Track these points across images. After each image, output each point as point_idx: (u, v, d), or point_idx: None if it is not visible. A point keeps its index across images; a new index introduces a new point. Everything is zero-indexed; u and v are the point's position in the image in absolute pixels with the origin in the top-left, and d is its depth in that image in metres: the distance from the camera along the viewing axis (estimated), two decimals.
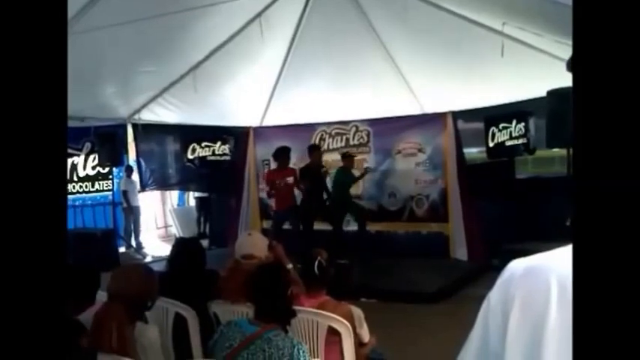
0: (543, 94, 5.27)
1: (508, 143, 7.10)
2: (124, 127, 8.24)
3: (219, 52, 6.81)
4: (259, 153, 9.27)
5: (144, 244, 9.64)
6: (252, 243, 3.17)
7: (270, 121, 9.03)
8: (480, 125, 7.47)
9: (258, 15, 6.25)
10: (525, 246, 5.14)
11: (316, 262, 2.80)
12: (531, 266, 0.73)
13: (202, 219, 10.63)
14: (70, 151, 8.22)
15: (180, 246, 3.44)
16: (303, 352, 2.13)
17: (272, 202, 8.30)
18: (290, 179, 7.46)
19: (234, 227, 8.83)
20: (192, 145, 8.73)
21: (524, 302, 0.70)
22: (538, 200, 7.08)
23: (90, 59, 5.44)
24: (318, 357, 2.66)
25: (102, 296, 2.53)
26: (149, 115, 8.10)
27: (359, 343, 2.80)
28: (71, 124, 6.59)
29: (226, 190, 9.47)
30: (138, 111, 7.97)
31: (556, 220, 3.91)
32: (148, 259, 8.67)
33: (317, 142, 8.63)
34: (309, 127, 8.77)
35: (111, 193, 8.76)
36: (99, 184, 8.89)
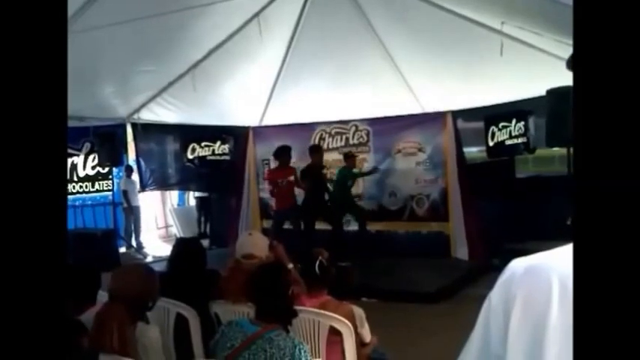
0: (543, 93, 5.27)
1: (508, 142, 7.10)
2: (123, 126, 8.23)
3: (218, 52, 6.81)
4: (259, 152, 9.27)
5: (144, 244, 9.64)
6: (253, 243, 3.17)
7: (269, 120, 9.02)
8: (480, 124, 7.46)
9: (257, 14, 6.24)
10: (526, 245, 5.15)
11: (317, 262, 2.80)
12: (532, 265, 0.73)
13: (203, 219, 10.63)
14: (69, 151, 8.21)
15: (181, 246, 3.44)
16: (305, 352, 2.13)
17: (272, 202, 8.29)
18: (291, 178, 7.47)
19: (235, 227, 8.83)
20: (192, 144, 8.72)
21: (526, 302, 0.70)
22: (538, 199, 7.08)
23: (89, 59, 5.43)
24: (319, 357, 2.65)
25: (103, 296, 2.53)
26: (148, 115, 8.10)
27: (360, 343, 2.79)
28: (70, 123, 6.57)
29: (226, 189, 9.46)
30: (137, 110, 7.96)
31: (556, 219, 3.91)
32: (149, 259, 8.67)
33: (317, 141, 8.63)
34: (309, 127, 8.76)
35: (111, 193, 8.75)
36: (99, 184, 8.88)
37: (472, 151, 8.20)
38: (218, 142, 8.87)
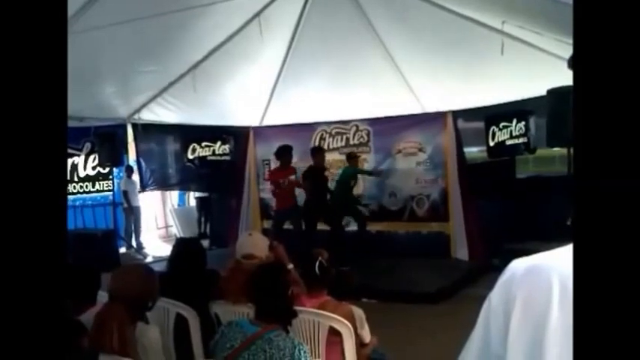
0: (544, 92, 5.27)
1: (508, 142, 7.09)
2: (123, 127, 8.23)
3: (218, 52, 6.81)
4: (259, 153, 9.27)
5: (144, 245, 9.65)
6: (253, 243, 3.16)
7: (269, 120, 9.02)
8: (481, 124, 7.46)
9: (258, 14, 6.24)
10: (526, 245, 5.15)
11: (317, 263, 2.80)
12: (532, 266, 0.73)
13: (203, 219, 10.63)
14: (70, 151, 8.22)
15: (181, 246, 3.44)
16: (305, 352, 2.13)
17: (273, 202, 8.29)
18: (292, 178, 7.47)
19: (235, 227, 8.83)
20: (193, 145, 8.72)
21: (526, 302, 0.70)
22: (539, 199, 7.08)
23: (89, 59, 5.43)
24: (319, 357, 2.65)
25: (103, 297, 2.53)
26: (149, 115, 8.09)
27: (360, 344, 2.79)
28: (71, 124, 6.57)
29: (227, 190, 9.47)
30: (137, 111, 7.96)
31: (557, 219, 3.91)
32: (149, 259, 8.66)
33: (317, 141, 8.63)
34: (309, 127, 8.76)
35: (111, 193, 8.75)
36: (99, 184, 8.89)
37: (472, 151, 8.20)
38: (218, 143, 8.87)
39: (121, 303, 2.24)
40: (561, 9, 3.23)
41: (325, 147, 8.47)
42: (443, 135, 7.83)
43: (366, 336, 2.87)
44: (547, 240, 1.51)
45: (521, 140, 6.92)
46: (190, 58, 6.86)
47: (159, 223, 11.38)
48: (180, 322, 2.85)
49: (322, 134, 8.77)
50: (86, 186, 8.79)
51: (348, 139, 8.61)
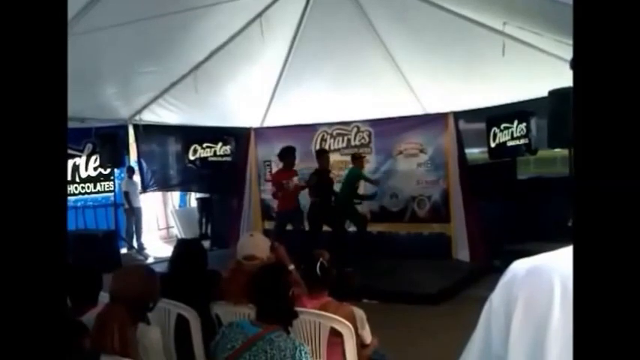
0: (545, 94, 5.26)
1: (510, 143, 7.08)
2: (125, 127, 8.24)
3: (219, 53, 6.81)
4: (260, 154, 9.27)
5: (145, 246, 9.65)
6: (254, 244, 3.16)
7: (271, 121, 9.02)
8: (482, 125, 7.45)
9: (259, 15, 6.24)
10: (527, 246, 5.15)
11: (318, 264, 2.80)
12: (534, 267, 0.73)
13: (204, 220, 10.64)
14: (71, 152, 8.22)
15: (182, 247, 3.44)
16: (305, 353, 2.13)
17: (274, 203, 8.28)
18: (296, 179, 7.45)
19: (236, 228, 8.83)
20: (194, 145, 8.73)
21: (527, 303, 0.70)
22: (540, 200, 7.07)
23: (90, 60, 5.44)
24: (320, 358, 2.65)
25: (104, 297, 2.53)
26: (150, 116, 8.10)
27: (361, 345, 2.79)
28: (72, 125, 6.59)
29: (228, 191, 9.47)
30: (139, 112, 7.97)
31: (558, 220, 3.91)
32: (150, 260, 8.66)
33: (318, 142, 8.63)
34: (311, 128, 8.76)
35: (112, 194, 8.76)
36: (100, 185, 8.89)
37: (474, 152, 8.19)
38: (220, 144, 8.87)
39: (122, 304, 2.24)
40: (561, 9, 3.22)
41: (327, 148, 8.46)
42: (444, 136, 7.83)
43: (367, 337, 2.87)
44: (548, 241, 1.51)
45: (522, 141, 6.91)
46: (192, 59, 6.86)
47: (160, 223, 11.38)
48: (181, 323, 2.85)
49: (323, 135, 8.77)
50: (87, 187, 8.79)
51: (349, 140, 8.61)
